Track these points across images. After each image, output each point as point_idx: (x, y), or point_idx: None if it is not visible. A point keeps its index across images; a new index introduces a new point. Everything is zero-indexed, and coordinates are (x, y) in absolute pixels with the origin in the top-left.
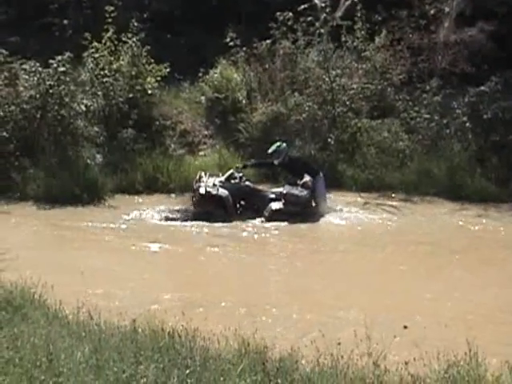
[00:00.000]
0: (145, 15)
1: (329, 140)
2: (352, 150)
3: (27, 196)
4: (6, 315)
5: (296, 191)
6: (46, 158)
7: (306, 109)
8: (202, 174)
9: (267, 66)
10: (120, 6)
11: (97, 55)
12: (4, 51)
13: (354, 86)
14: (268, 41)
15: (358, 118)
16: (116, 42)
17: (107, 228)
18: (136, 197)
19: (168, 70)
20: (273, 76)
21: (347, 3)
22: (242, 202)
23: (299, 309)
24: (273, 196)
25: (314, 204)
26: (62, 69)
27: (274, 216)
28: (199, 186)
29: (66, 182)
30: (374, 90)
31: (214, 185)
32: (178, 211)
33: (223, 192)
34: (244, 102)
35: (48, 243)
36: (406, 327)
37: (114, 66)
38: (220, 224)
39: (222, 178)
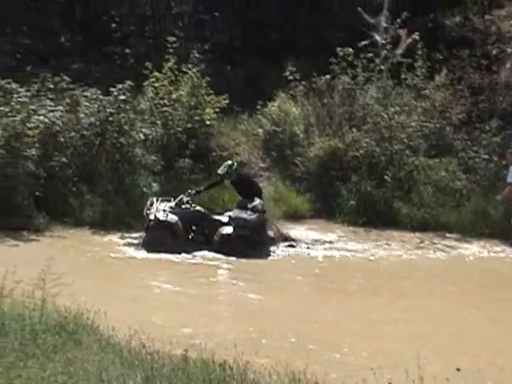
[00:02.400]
0: (205, 46)
1: (385, 177)
2: (408, 187)
3: (83, 221)
4: (60, 340)
5: (245, 215)
6: (103, 184)
7: (364, 145)
8: (154, 199)
9: (326, 100)
10: (181, 36)
11: (157, 84)
12: (67, 78)
13: (413, 124)
14: (327, 76)
15: (415, 156)
16: (176, 72)
17: (161, 257)
18: None
19: (227, 101)
20: (331, 111)
21: (408, 41)
22: (193, 228)
23: (351, 345)
24: (224, 220)
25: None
26: (123, 97)
27: (224, 241)
28: (149, 213)
29: (121, 210)
30: (433, 129)
31: (164, 211)
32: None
33: (172, 218)
34: (301, 135)
35: (102, 270)
36: (458, 370)
37: (174, 96)
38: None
39: (173, 204)
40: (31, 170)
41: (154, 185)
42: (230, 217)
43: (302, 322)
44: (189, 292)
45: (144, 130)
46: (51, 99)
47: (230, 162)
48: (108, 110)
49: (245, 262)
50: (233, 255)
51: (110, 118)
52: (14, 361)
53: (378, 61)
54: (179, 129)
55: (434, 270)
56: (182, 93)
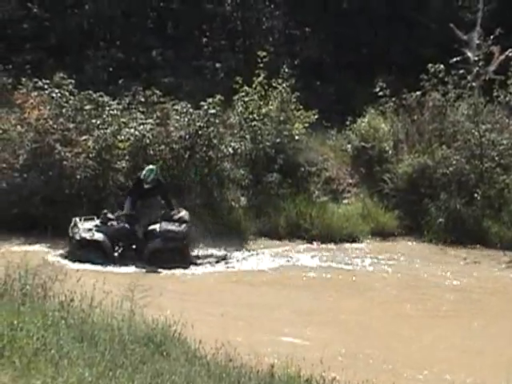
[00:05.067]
0: (295, 61)
1: (475, 195)
2: (499, 206)
3: None
4: (148, 351)
5: (173, 227)
6: (191, 198)
7: (454, 162)
8: (77, 219)
9: (416, 117)
10: (272, 51)
11: (247, 99)
12: (158, 91)
13: (504, 142)
14: (418, 92)
15: (506, 174)
16: (266, 87)
17: (249, 271)
18: (277, 242)
19: (316, 116)
20: (421, 128)
21: (501, 58)
22: (121, 244)
23: (440, 369)
24: (151, 235)
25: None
26: (213, 111)
27: (154, 254)
28: (74, 233)
29: (209, 223)
30: None
31: (90, 229)
32: None
33: (99, 236)
34: (390, 152)
35: (190, 283)
36: None
37: (263, 111)
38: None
39: (98, 222)
40: (121, 182)
41: (242, 199)
42: (157, 230)
43: (395, 343)
44: (275, 308)
45: (233, 144)
46: (142, 112)
47: (151, 167)
48: (198, 124)
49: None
50: (168, 268)
51: (200, 132)
52: (103, 370)
53: (469, 78)
54: (268, 143)
55: None
56: (271, 107)
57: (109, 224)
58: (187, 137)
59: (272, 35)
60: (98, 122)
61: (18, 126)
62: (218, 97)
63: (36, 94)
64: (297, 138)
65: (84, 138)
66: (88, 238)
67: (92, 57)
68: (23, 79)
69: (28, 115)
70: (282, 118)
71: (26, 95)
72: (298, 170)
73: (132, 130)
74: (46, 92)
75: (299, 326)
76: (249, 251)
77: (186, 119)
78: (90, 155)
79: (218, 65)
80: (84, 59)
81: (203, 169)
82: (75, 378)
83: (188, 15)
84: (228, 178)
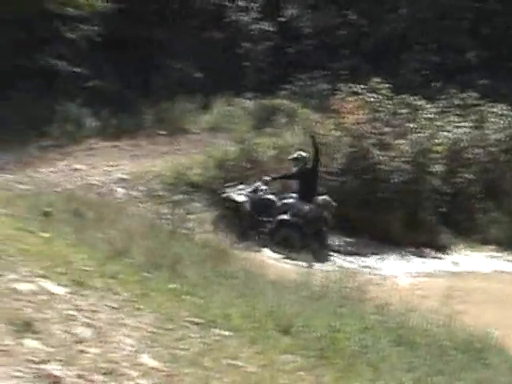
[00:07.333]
0: None
1: None
2: None
3: (489, 239)
4: (466, 358)
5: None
6: (509, 201)
7: None
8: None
9: None
10: None
11: None
12: (474, 94)
13: None
14: None
15: None
16: None
17: None
18: None
19: None
20: None
21: None
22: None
23: None
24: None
25: None
26: None
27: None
28: (225, 191)
29: None
30: None
31: (240, 193)
32: None
33: (241, 198)
34: None
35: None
36: None
37: None
38: None
39: (250, 188)
40: (437, 185)
41: None
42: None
43: None
44: None
45: None
46: (457, 115)
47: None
48: None
49: None
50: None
51: None
52: (422, 376)
53: None
54: None
55: None
56: None
57: (258, 193)
58: (505, 140)
59: None
60: (414, 126)
61: (335, 131)
62: None
63: (352, 98)
64: None
65: (399, 141)
66: (231, 197)
67: (407, 60)
68: (340, 85)
69: (344, 120)
70: None
71: (342, 100)
72: None
73: (448, 134)
74: (362, 97)
75: None
76: None
77: (504, 122)
78: (406, 159)
79: None
80: (399, 63)
81: None
82: (394, 382)
83: (504, 15)
84: None
